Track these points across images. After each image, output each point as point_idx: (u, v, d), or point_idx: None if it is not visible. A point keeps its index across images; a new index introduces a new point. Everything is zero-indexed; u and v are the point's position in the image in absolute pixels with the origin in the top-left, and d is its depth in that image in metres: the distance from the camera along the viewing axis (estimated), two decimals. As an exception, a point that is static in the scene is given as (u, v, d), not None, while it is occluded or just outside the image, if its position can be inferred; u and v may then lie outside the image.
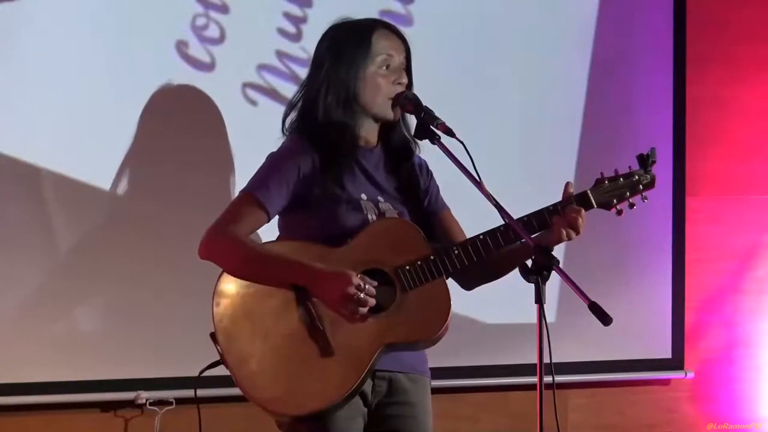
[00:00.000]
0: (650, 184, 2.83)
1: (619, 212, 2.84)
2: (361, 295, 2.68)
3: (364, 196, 2.86)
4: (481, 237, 2.78)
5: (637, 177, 2.82)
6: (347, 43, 2.86)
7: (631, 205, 2.84)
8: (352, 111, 2.86)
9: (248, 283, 2.79)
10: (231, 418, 3.76)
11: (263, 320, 2.77)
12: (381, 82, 2.85)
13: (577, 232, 2.77)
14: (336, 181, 2.82)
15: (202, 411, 2.97)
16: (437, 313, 2.76)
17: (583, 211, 2.77)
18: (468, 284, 2.97)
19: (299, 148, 2.85)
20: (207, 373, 2.88)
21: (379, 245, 2.78)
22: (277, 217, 2.89)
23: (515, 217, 2.73)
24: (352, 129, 2.87)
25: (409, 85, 2.92)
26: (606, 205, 2.82)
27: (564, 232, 2.76)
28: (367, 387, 2.81)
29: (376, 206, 2.87)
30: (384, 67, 2.86)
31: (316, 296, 2.74)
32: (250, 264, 2.78)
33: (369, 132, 2.91)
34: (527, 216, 2.80)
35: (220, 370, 2.85)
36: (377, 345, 2.74)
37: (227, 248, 2.79)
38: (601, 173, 2.84)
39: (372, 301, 2.70)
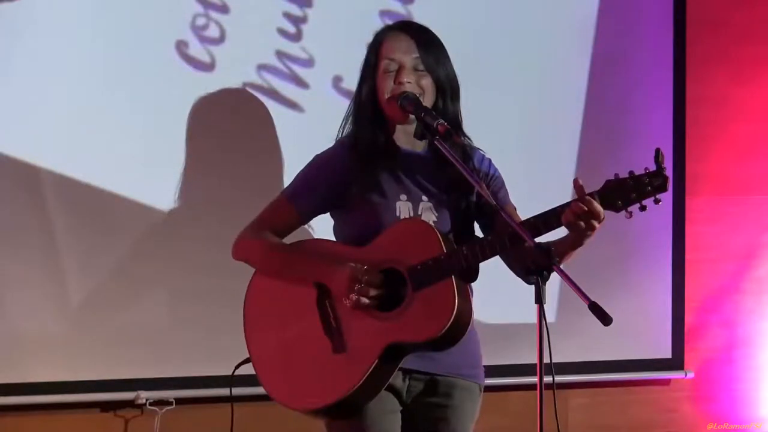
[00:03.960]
0: (662, 187, 2.63)
1: (630, 215, 2.68)
2: (362, 285, 2.74)
3: (403, 197, 2.89)
4: (489, 238, 2.77)
5: (647, 179, 2.64)
6: (367, 53, 2.95)
7: (643, 208, 2.67)
8: (380, 118, 2.91)
9: (276, 280, 2.90)
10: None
11: (284, 316, 2.87)
12: (386, 86, 2.89)
13: (591, 218, 2.64)
14: (369, 184, 2.88)
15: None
16: (439, 314, 2.75)
17: (594, 203, 2.64)
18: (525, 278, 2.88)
19: (336, 153, 2.94)
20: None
21: (397, 245, 2.81)
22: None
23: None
24: (381, 135, 2.91)
25: (437, 78, 2.90)
26: (612, 207, 2.67)
27: (579, 224, 2.65)
28: (402, 385, 2.88)
29: (417, 207, 2.89)
30: (386, 72, 2.89)
31: (331, 289, 2.82)
32: (274, 263, 2.92)
33: (409, 135, 2.92)
34: (542, 214, 2.71)
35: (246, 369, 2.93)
36: (382, 344, 2.76)
37: (252, 249, 2.94)
38: (615, 175, 2.68)
39: (374, 292, 2.75)
